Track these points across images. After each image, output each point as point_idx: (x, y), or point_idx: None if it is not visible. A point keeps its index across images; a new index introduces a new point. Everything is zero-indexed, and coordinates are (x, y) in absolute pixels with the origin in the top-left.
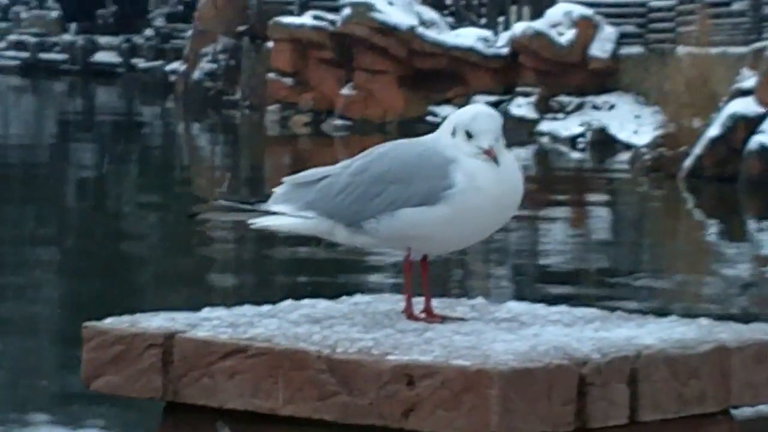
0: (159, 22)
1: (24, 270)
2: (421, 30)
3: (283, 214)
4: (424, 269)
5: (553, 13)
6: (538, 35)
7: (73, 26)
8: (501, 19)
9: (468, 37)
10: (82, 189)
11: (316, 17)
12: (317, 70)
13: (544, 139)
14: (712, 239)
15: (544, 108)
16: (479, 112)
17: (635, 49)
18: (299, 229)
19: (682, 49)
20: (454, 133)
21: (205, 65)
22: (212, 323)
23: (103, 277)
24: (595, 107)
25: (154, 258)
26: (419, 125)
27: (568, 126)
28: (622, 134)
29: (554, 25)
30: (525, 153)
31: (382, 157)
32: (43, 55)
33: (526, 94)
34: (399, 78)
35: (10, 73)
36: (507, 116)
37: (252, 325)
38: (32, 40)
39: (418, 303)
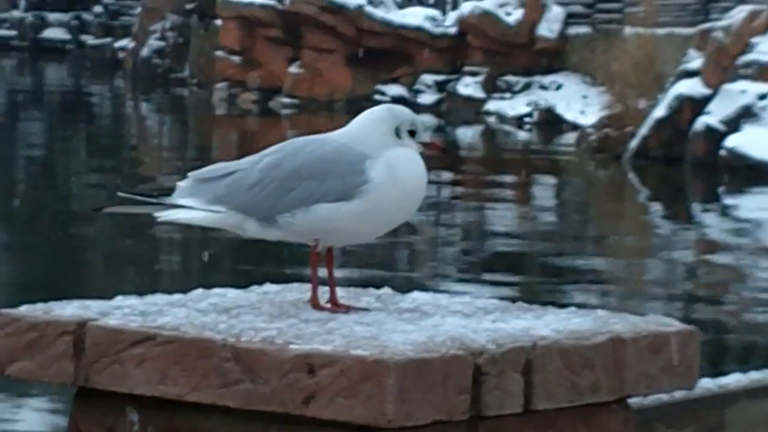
0: None
1: None
2: (369, 9)
3: (191, 207)
4: (330, 260)
5: None
6: (486, 15)
7: (23, 2)
8: None
9: (416, 16)
10: (29, 167)
11: None
12: (265, 48)
13: (491, 119)
14: (655, 220)
15: (492, 87)
16: (409, 111)
17: (583, 29)
18: (208, 222)
19: (629, 30)
20: (398, 134)
21: (154, 43)
22: (123, 311)
23: (43, 258)
24: (543, 87)
25: (95, 239)
26: (367, 104)
27: (515, 106)
28: (569, 114)
29: (502, 5)
30: (472, 132)
31: (295, 153)
32: None
33: (474, 74)
34: (347, 57)
35: None
36: (454, 95)
37: (161, 314)
38: None
39: (326, 293)
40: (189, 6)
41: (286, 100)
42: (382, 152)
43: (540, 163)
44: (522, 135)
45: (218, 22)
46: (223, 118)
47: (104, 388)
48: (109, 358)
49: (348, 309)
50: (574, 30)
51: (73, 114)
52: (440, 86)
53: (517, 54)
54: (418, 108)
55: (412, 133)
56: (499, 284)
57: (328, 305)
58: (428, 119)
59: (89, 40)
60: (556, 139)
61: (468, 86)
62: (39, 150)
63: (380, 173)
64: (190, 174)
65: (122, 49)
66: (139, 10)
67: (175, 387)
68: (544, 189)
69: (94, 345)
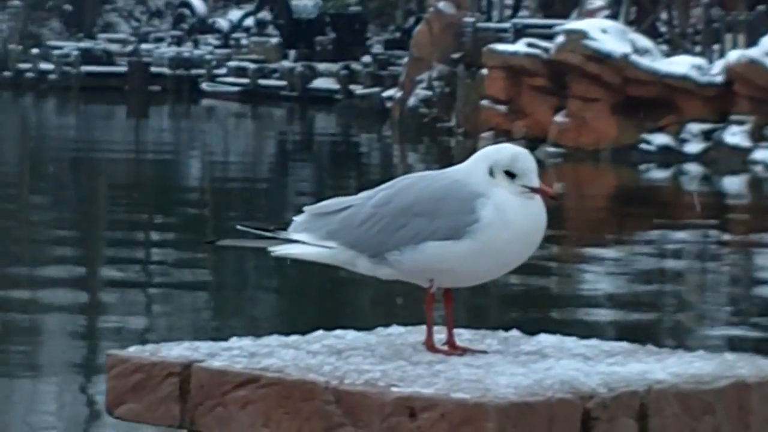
0: (377, 48)
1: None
2: (634, 58)
3: (304, 242)
4: (447, 301)
5: None
6: (753, 63)
7: (293, 53)
8: (716, 46)
9: (682, 64)
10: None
11: (529, 45)
12: (530, 97)
13: (758, 168)
14: None
15: (758, 136)
16: (519, 151)
17: None
18: (320, 258)
19: None
20: (492, 173)
21: (421, 92)
22: (231, 353)
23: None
24: None
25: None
26: (632, 153)
27: None
28: None
29: None
30: (738, 182)
31: (407, 189)
32: (263, 82)
33: (740, 122)
34: (612, 106)
35: (231, 99)
36: (720, 144)
37: (269, 356)
38: (252, 66)
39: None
40: (455, 55)
41: (552, 149)
42: (491, 191)
43: None
44: None
45: (484, 71)
46: None
47: (209, 431)
48: (214, 401)
49: (464, 351)
50: None
51: (342, 162)
52: (706, 135)
53: None
54: (684, 157)
55: (512, 175)
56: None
57: (445, 347)
58: (695, 168)
59: (358, 89)
60: None
61: (735, 135)
62: (308, 198)
63: (490, 213)
64: (306, 208)
65: (390, 98)
66: (406, 59)
67: (279, 430)
68: None
69: (199, 387)
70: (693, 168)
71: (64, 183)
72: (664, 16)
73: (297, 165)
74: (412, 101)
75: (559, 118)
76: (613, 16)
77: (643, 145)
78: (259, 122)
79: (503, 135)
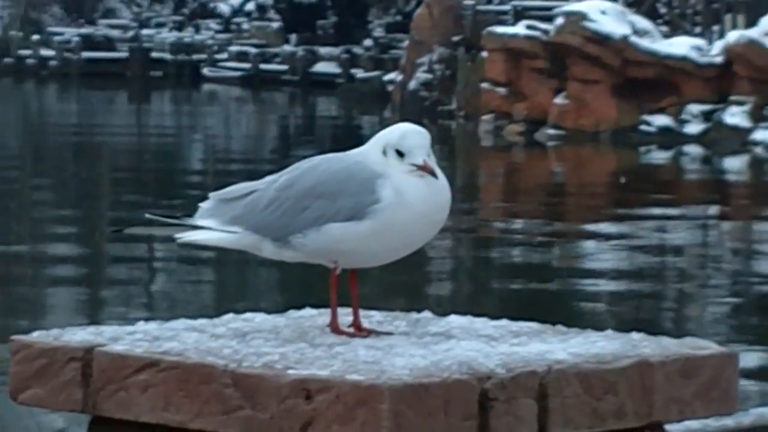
0: (378, 32)
1: None
2: (634, 39)
3: (210, 228)
4: (353, 283)
5: None
6: (752, 43)
7: (294, 37)
8: (715, 27)
9: (681, 46)
10: None
11: (529, 27)
12: (530, 79)
13: (758, 149)
14: None
15: (758, 117)
16: (407, 129)
17: None
18: (226, 243)
19: None
20: (385, 153)
21: (421, 75)
22: (134, 337)
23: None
24: None
25: None
26: (632, 134)
27: None
28: None
29: None
30: (738, 162)
31: (309, 172)
32: (264, 66)
33: (740, 103)
34: (612, 87)
35: (232, 83)
36: (720, 125)
37: (171, 339)
38: (253, 51)
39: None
40: (455, 38)
41: (552, 131)
42: (392, 171)
43: None
44: None
45: (484, 53)
46: (489, 150)
47: (111, 415)
48: (115, 385)
49: (369, 333)
50: None
51: (343, 145)
52: (706, 116)
53: None
54: (684, 138)
55: (401, 154)
56: None
57: (350, 329)
58: (694, 149)
59: (359, 73)
60: None
61: (734, 116)
62: None
63: (390, 194)
64: (211, 194)
65: (391, 82)
66: (407, 43)
67: (179, 414)
68: None
69: (101, 371)
70: (693, 149)
71: (66, 166)
72: None
73: (299, 148)
74: (412, 84)
75: (559, 100)
76: None
77: (643, 127)
78: (260, 106)
79: (504, 117)
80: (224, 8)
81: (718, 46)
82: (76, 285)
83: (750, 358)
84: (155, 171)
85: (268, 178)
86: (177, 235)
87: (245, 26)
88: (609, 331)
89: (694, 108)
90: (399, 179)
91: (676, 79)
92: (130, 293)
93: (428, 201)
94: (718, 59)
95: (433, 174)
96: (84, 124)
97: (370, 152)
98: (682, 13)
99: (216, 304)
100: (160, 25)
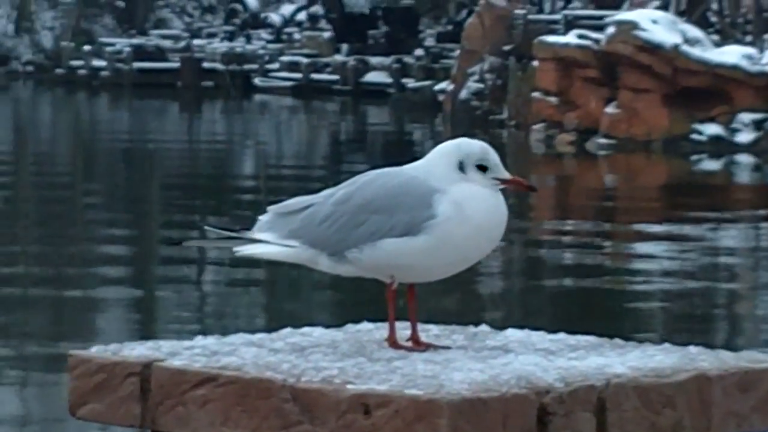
0: (429, 42)
1: None
2: (685, 48)
3: (267, 242)
4: (411, 297)
5: None
6: None
7: (345, 47)
8: (766, 36)
9: (732, 54)
10: None
11: (580, 36)
12: (582, 88)
13: None
14: None
15: None
16: (484, 145)
17: None
18: (283, 257)
19: None
20: (462, 168)
21: (472, 85)
22: (193, 352)
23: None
24: None
25: None
26: (684, 143)
27: None
28: None
29: None
30: None
31: (365, 187)
32: (315, 76)
33: None
34: (663, 96)
35: (283, 93)
36: None
37: (230, 354)
38: (305, 60)
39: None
40: (506, 48)
41: (603, 140)
42: (450, 187)
43: None
44: None
45: (535, 63)
46: (540, 159)
47: (169, 431)
48: (174, 400)
49: (427, 347)
50: None
51: (395, 156)
52: (757, 125)
53: None
54: (735, 146)
55: (483, 169)
56: None
57: (408, 343)
58: (746, 158)
59: (410, 83)
60: None
61: None
62: None
63: (447, 209)
64: (270, 208)
65: (442, 91)
66: (458, 52)
67: (237, 429)
68: None
69: (159, 386)
70: (744, 158)
71: (118, 176)
72: (714, 6)
73: (350, 157)
74: (464, 94)
75: (610, 109)
76: (664, 7)
77: (694, 136)
78: (311, 116)
79: (555, 126)
80: (276, 18)
81: None
82: (133, 299)
83: None
84: (208, 178)
85: (326, 192)
86: (235, 248)
87: (296, 36)
88: (667, 345)
89: (745, 117)
90: (460, 194)
91: (727, 88)
92: (187, 307)
93: (488, 216)
94: None
95: (532, 187)
96: (135, 132)
97: (432, 166)
98: (733, 22)
99: (273, 318)
100: (211, 35)
